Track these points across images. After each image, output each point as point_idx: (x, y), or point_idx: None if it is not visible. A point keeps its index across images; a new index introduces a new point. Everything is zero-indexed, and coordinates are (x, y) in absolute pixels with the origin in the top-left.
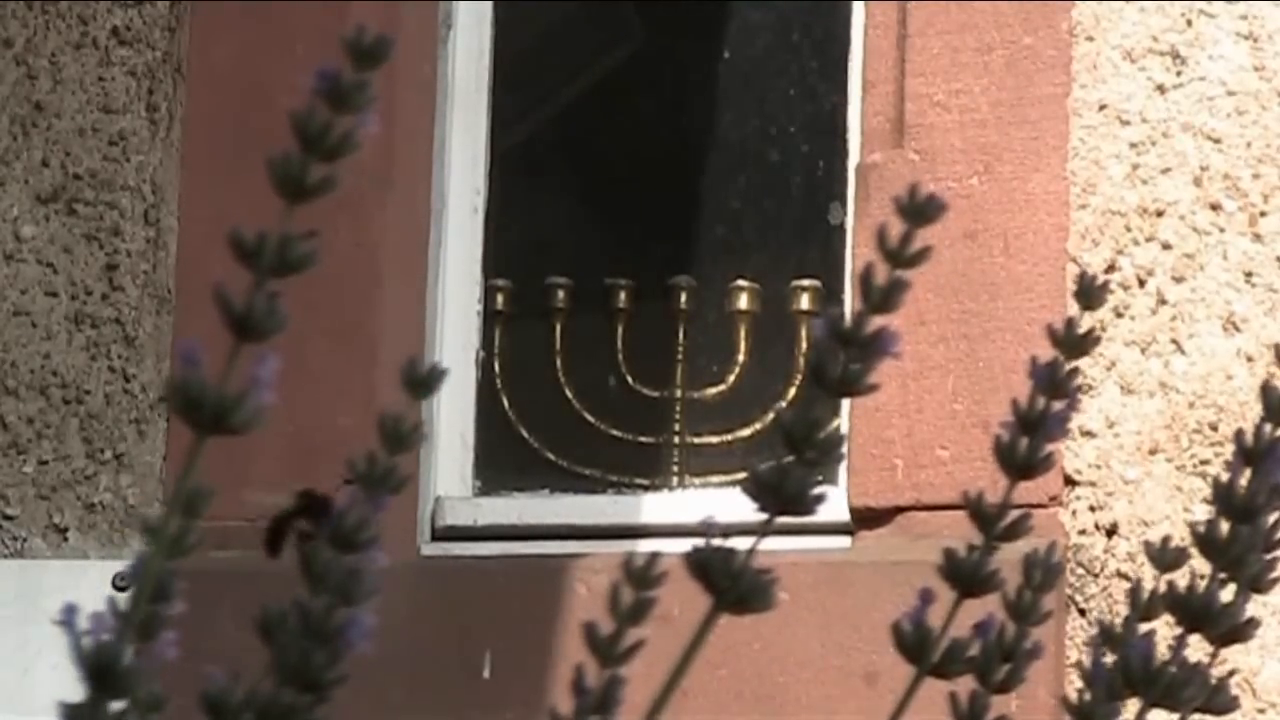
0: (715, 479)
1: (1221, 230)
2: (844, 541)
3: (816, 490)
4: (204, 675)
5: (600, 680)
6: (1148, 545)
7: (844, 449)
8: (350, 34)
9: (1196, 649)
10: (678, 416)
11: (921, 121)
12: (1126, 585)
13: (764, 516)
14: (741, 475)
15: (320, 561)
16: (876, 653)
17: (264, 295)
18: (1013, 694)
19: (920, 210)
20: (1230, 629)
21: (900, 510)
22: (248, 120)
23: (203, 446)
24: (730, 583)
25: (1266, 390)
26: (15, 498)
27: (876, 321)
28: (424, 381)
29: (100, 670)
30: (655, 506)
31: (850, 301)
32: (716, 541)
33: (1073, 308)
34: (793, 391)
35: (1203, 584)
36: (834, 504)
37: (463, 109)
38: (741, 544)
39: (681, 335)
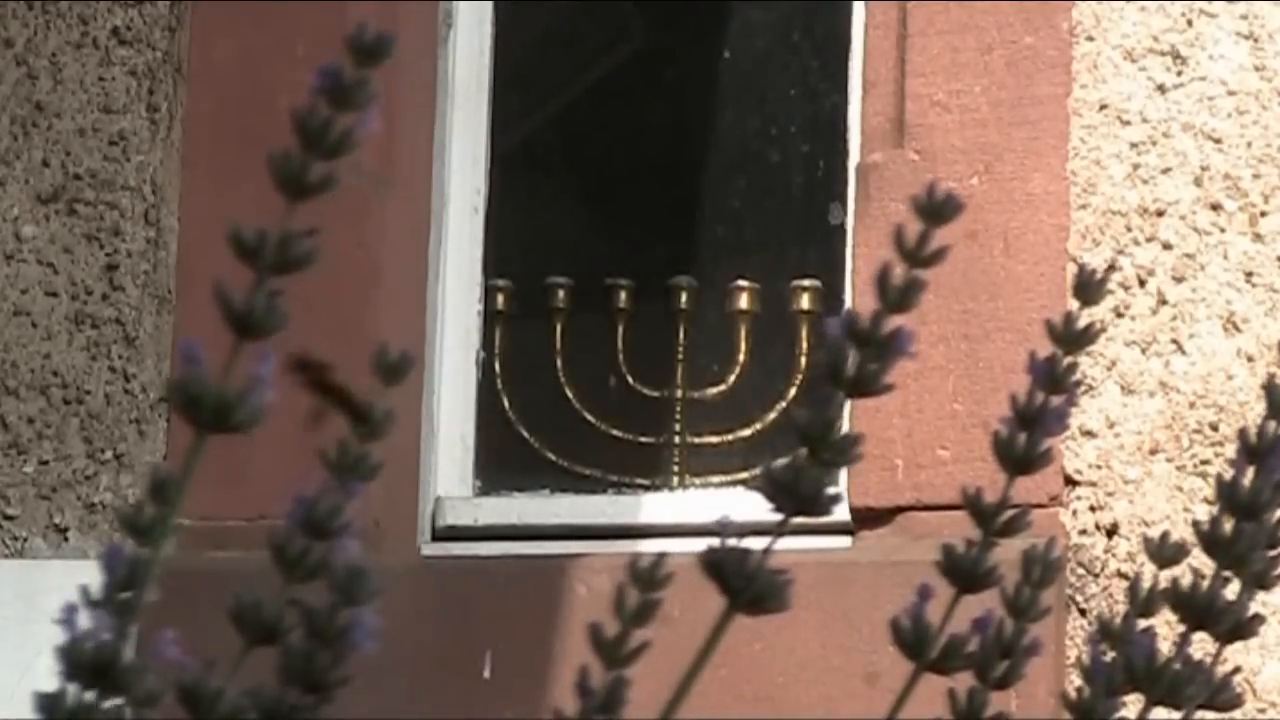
0: (716, 479)
1: (1222, 230)
2: (844, 541)
3: (831, 490)
4: (179, 665)
5: (605, 681)
6: (1147, 541)
7: (859, 449)
8: (352, 32)
9: (1197, 647)
10: (678, 416)
11: (922, 121)
12: (1127, 585)
13: (773, 516)
14: (742, 475)
15: (294, 548)
16: (876, 653)
17: (264, 293)
18: (1013, 693)
19: (937, 210)
20: (1234, 626)
21: (900, 510)
22: (248, 120)
23: (203, 444)
24: (745, 583)
25: (1270, 388)
26: (15, 498)
27: (893, 321)
28: (395, 368)
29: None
30: (655, 506)
31: (851, 301)
32: (731, 542)
33: (1074, 307)
34: (793, 391)
35: (1205, 581)
36: None
37: (463, 109)
38: (752, 544)
39: (682, 335)
